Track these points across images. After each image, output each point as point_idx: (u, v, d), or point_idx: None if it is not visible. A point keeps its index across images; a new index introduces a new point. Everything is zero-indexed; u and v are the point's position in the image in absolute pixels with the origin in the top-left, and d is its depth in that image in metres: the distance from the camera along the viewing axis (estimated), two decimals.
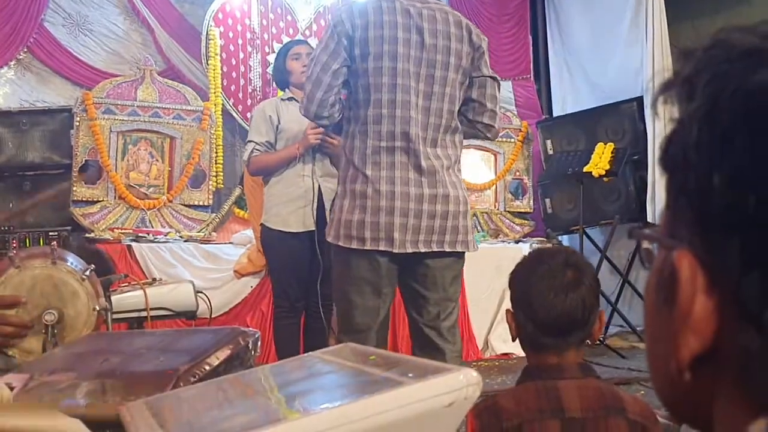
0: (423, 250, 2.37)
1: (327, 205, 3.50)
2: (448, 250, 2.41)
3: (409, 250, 2.35)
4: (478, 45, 2.48)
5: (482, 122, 2.53)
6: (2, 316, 1.53)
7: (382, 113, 2.34)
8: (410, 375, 0.89)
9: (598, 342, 4.67)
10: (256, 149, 3.55)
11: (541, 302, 1.45)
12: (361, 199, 2.34)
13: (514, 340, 1.53)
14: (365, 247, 2.33)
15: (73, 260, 1.88)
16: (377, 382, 0.92)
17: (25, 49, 5.36)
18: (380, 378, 0.93)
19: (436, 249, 2.39)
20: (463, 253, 2.48)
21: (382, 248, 2.33)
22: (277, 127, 3.56)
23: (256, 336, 1.50)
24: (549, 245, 5.68)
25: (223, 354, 1.39)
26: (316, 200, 3.47)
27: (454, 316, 2.50)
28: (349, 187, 2.38)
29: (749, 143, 0.43)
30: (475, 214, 5.98)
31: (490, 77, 2.53)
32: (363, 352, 1.13)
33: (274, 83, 5.01)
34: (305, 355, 1.24)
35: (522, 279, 1.53)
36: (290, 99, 3.64)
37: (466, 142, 2.68)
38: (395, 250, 2.34)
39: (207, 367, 1.33)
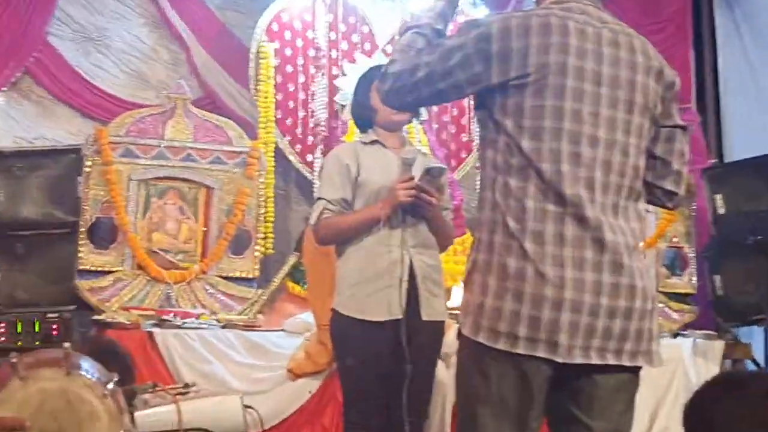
0: (595, 362, 2.27)
1: (421, 286, 3.49)
2: (627, 364, 2.31)
3: (577, 360, 2.24)
4: (670, 81, 2.43)
5: (663, 188, 2.48)
6: None
7: (546, 168, 2.26)
8: None
9: None
10: (328, 209, 3.55)
11: None
12: (516, 281, 2.24)
13: None
14: (517, 351, 2.23)
15: (89, 367, 1.90)
16: None
17: (23, 70, 5.57)
18: None
19: (612, 362, 2.28)
20: (641, 368, 2.36)
21: (540, 354, 2.23)
22: (356, 179, 3.57)
23: None
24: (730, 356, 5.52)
25: None
26: (406, 279, 3.45)
27: None
28: (498, 260, 2.28)
29: None
30: None
31: (681, 127, 2.48)
32: None
33: (348, 117, 5.09)
34: None
35: (707, 411, 1.53)
36: (374, 142, 3.66)
37: None
38: (558, 359, 2.23)
39: None
